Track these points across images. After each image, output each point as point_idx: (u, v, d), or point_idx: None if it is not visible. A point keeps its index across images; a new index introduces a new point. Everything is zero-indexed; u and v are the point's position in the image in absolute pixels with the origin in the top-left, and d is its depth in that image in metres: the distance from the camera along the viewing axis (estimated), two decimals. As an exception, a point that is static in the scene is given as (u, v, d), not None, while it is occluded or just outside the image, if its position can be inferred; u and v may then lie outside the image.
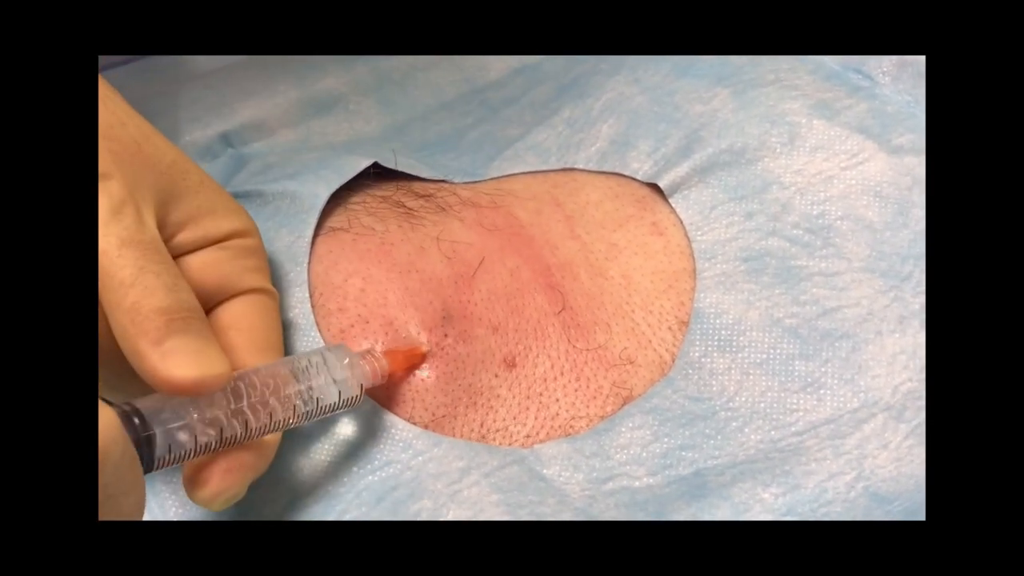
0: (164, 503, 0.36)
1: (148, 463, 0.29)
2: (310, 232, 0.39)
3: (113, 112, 0.32)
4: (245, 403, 0.31)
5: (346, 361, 0.34)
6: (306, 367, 0.33)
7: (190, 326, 0.29)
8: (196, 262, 0.33)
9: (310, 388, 0.32)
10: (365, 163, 0.42)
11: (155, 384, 0.29)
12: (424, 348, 0.37)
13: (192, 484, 0.31)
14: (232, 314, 0.34)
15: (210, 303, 0.34)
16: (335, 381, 0.33)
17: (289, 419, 0.32)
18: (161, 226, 0.32)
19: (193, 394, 0.29)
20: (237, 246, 0.34)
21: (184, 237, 0.33)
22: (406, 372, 0.37)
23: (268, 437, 0.32)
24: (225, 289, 0.34)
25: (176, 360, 0.28)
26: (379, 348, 0.36)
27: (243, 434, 0.31)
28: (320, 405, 0.33)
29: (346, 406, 0.34)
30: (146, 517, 0.35)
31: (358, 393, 0.34)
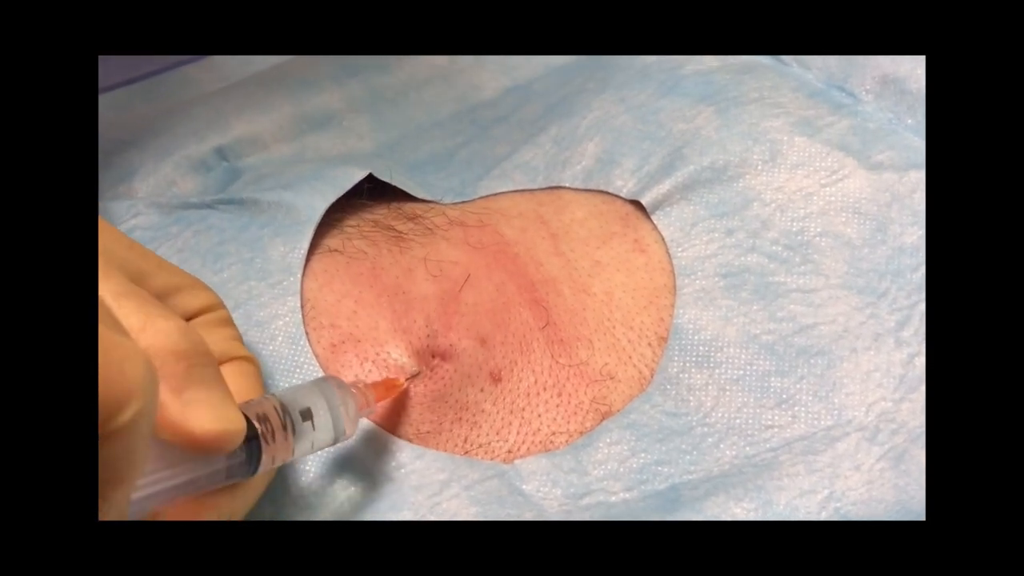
0: None
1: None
2: (306, 244, 0.40)
3: None
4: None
5: (337, 401, 0.34)
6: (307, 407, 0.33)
7: (208, 376, 0.28)
8: None
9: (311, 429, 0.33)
10: (360, 175, 0.43)
11: (173, 435, 0.27)
12: (402, 381, 0.37)
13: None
14: None
15: None
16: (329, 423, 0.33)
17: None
18: None
19: (212, 451, 0.28)
20: (210, 319, 0.34)
21: None
22: (389, 399, 0.37)
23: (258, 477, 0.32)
24: None
25: (198, 412, 0.27)
26: (367, 378, 0.37)
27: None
28: (316, 446, 0.33)
29: (335, 443, 0.34)
30: None
31: (350, 431, 0.34)
